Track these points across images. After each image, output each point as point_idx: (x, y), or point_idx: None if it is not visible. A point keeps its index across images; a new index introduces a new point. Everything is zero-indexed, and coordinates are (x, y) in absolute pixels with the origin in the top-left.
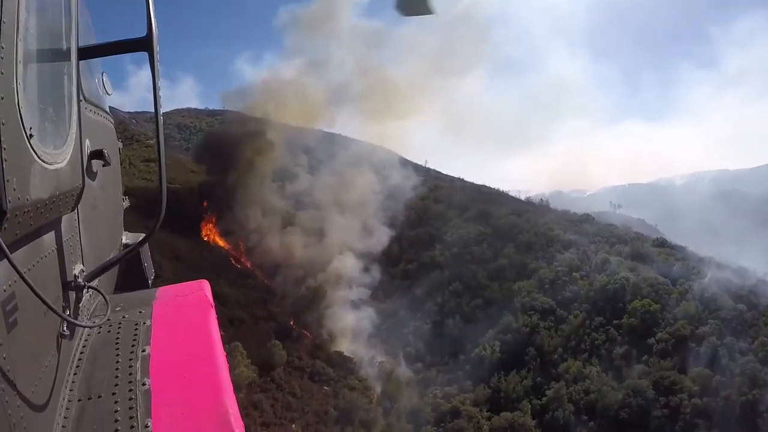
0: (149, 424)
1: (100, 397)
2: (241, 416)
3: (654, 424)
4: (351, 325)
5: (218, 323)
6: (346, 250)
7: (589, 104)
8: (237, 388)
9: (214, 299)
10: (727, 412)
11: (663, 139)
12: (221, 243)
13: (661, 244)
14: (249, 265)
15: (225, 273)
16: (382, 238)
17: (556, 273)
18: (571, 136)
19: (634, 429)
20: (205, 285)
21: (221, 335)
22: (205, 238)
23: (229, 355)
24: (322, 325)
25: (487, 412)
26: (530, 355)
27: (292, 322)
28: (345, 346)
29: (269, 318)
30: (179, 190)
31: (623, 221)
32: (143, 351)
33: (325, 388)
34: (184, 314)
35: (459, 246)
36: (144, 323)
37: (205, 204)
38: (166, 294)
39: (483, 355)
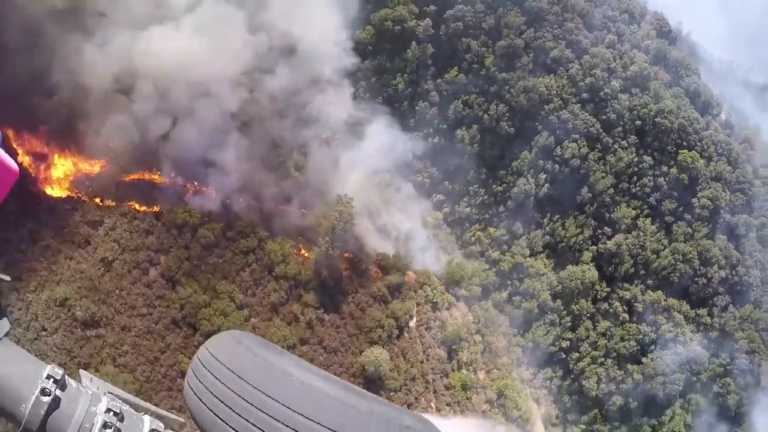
0: None
1: None
2: None
3: (693, 288)
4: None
5: None
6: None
7: None
8: None
9: None
10: (742, 284)
11: None
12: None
13: (668, 32)
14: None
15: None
16: None
17: (593, 76)
18: None
19: (680, 288)
20: None
21: None
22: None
23: None
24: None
25: (548, 259)
26: (584, 198)
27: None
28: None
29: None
30: None
31: None
32: None
33: (410, 325)
34: None
35: None
36: None
37: None
38: None
39: (527, 190)
